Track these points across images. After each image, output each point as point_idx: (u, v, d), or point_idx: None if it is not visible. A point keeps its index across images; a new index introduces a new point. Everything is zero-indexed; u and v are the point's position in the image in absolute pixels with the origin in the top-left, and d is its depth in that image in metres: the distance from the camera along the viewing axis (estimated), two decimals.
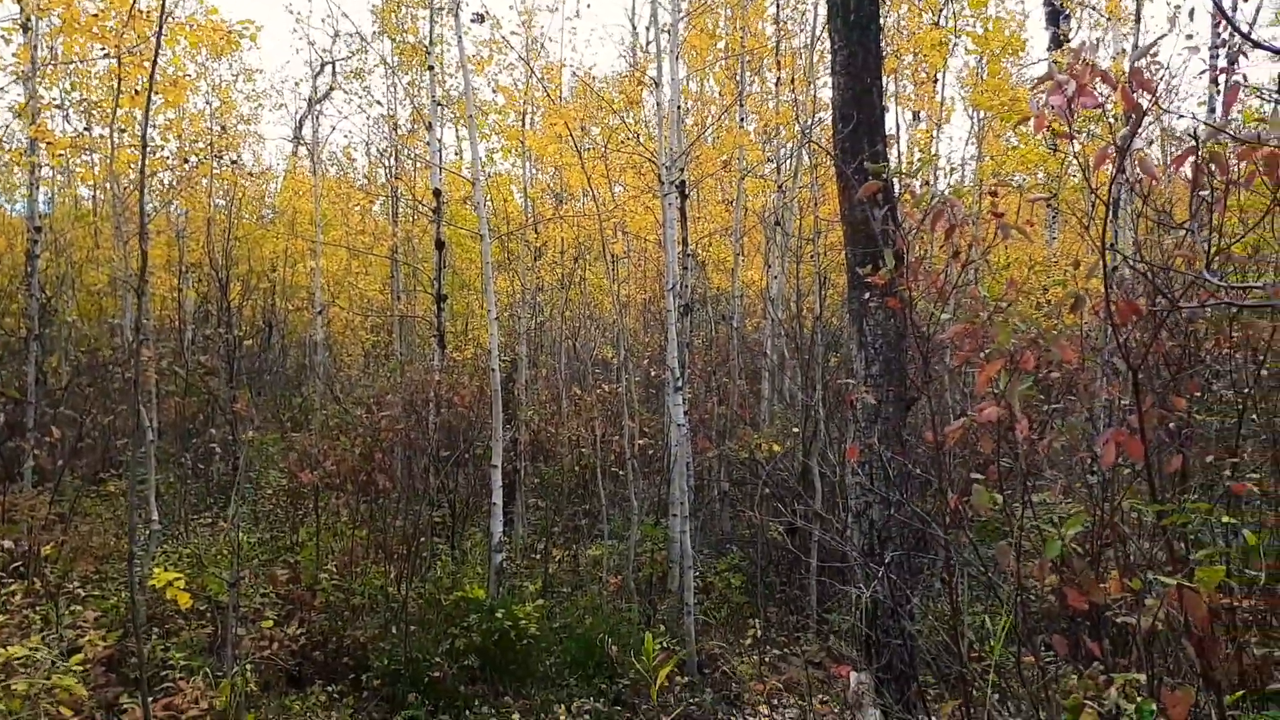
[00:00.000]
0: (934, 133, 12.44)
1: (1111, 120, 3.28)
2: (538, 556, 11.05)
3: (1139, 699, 2.42)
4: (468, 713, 7.15)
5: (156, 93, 7.86)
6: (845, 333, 11.11)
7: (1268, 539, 4.20)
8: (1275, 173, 2.31)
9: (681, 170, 9.73)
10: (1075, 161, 2.92)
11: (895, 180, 5.16)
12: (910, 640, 5.58)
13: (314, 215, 16.80)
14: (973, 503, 3.79)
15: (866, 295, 6.30)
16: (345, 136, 50.52)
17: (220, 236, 14.89)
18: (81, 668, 4.24)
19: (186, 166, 10.67)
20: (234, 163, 15.34)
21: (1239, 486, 3.38)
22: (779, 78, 12.80)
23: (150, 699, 5.02)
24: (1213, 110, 10.12)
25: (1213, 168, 2.55)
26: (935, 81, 12.66)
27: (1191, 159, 2.59)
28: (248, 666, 5.59)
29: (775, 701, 7.86)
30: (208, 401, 14.00)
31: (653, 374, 16.62)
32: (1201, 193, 2.64)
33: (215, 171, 13.22)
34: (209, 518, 9.46)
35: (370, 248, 16.95)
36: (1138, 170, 2.93)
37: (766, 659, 8.70)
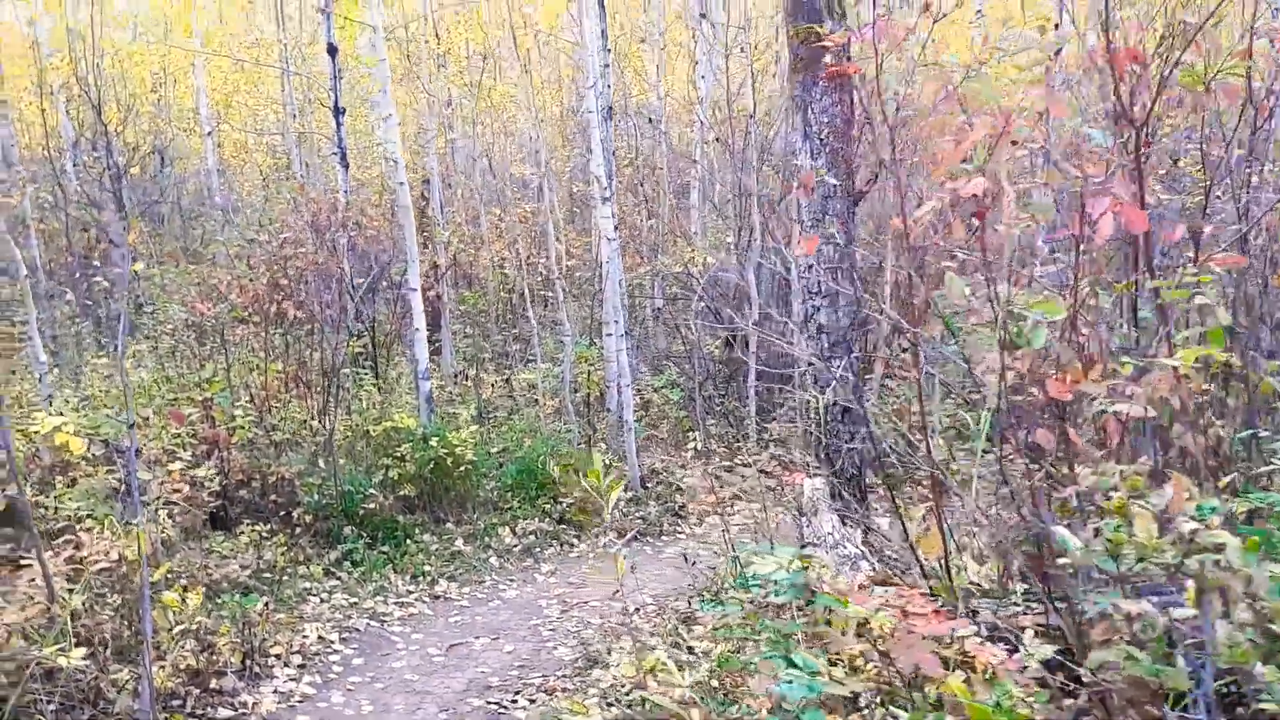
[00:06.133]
0: None
1: None
2: (469, 383, 10.69)
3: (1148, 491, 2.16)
4: (408, 541, 6.94)
5: None
6: (778, 132, 10.53)
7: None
8: None
9: None
10: None
11: None
12: (862, 443, 5.44)
13: (190, 25, 15.07)
14: (948, 293, 3.45)
15: (811, 78, 5.74)
16: None
17: (86, 50, 13.25)
18: None
19: None
20: None
21: (1224, 259, 3.08)
22: None
23: (50, 553, 4.59)
24: None
25: None
26: None
27: None
28: (161, 512, 5.17)
29: (730, 511, 7.84)
30: (97, 238, 12.87)
31: (574, 190, 15.87)
32: None
33: None
34: (105, 356, 8.76)
35: (256, 59, 15.39)
36: None
37: (709, 470, 8.66)
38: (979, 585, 3.94)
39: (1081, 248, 3.76)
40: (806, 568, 2.59)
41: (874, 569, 4.42)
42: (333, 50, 11.23)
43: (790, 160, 10.41)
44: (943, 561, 3.40)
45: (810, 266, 5.72)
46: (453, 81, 15.04)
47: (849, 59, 5.95)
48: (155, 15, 17.70)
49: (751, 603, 4.03)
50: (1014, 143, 3.54)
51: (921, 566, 3.43)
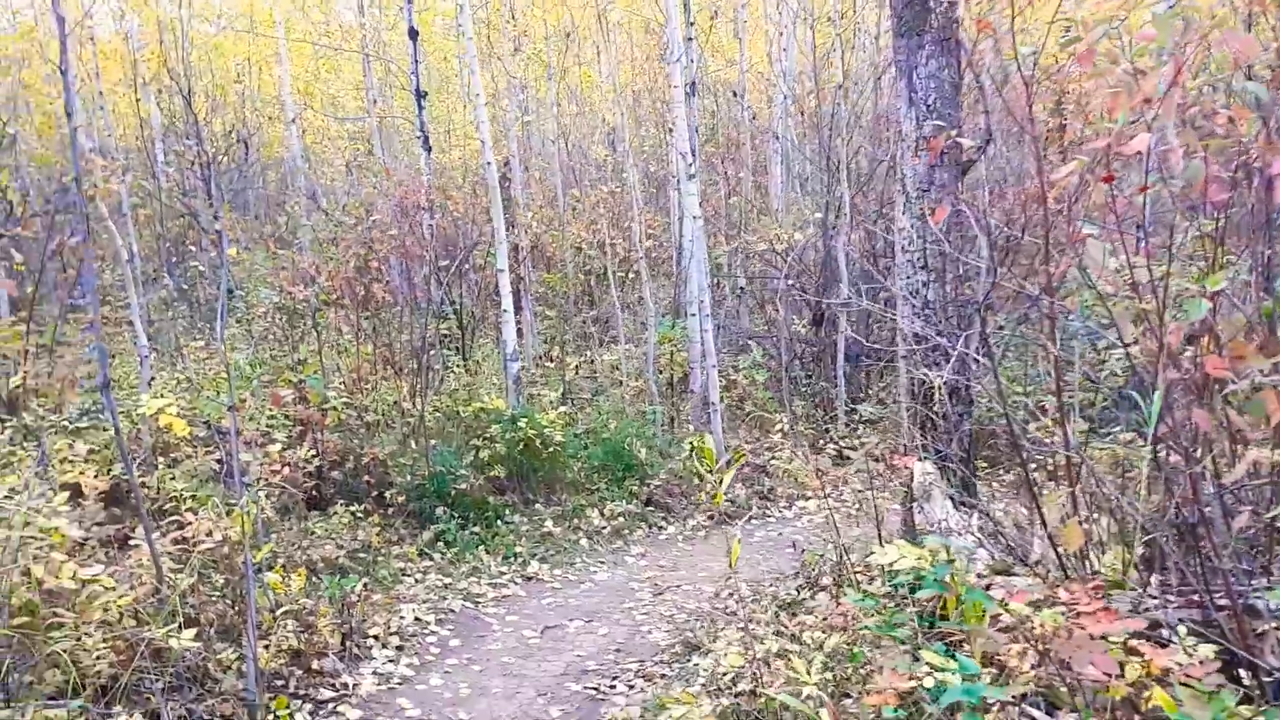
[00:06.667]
0: None
1: None
2: (552, 365, 10.64)
3: None
4: (499, 522, 6.91)
5: None
6: (866, 102, 10.19)
7: None
8: None
9: None
10: None
11: None
12: (972, 424, 5.19)
13: (273, 14, 15.29)
14: (1088, 259, 3.19)
15: (916, 41, 5.45)
16: None
17: (176, 43, 13.57)
18: (67, 507, 3.80)
19: None
20: None
21: None
22: None
23: (158, 533, 4.64)
24: None
25: None
26: None
27: None
28: (261, 493, 5.20)
29: (827, 494, 7.59)
30: (189, 224, 13.19)
31: (652, 170, 15.69)
32: None
33: None
34: (202, 340, 8.95)
35: (337, 45, 15.56)
36: None
37: (808, 453, 8.43)
38: (1106, 575, 3.68)
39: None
40: (952, 561, 2.39)
41: (993, 558, 4.17)
42: (414, 34, 11.24)
43: (881, 130, 10.07)
44: (1082, 553, 3.16)
45: (915, 240, 5.44)
46: (530, 62, 14.98)
47: (957, 21, 5.65)
48: (240, 6, 18.05)
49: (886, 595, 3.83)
50: (1147, 101, 3.25)
51: (1060, 558, 3.19)
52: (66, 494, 3.98)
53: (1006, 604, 2.31)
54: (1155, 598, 3.48)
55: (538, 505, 7.31)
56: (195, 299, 11.21)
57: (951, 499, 4.63)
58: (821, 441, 9.04)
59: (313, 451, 6.39)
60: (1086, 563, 3.41)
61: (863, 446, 5.52)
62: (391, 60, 15.10)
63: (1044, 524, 3.18)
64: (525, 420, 7.23)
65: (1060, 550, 3.16)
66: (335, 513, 6.40)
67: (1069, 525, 3.06)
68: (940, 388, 4.60)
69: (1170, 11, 3.68)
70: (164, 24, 14.08)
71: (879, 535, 4.78)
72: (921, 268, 5.45)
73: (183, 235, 13.19)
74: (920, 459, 4.80)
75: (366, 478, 6.89)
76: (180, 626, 3.96)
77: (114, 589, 3.80)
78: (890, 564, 3.17)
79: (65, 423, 5.83)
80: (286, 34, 15.92)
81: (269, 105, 18.06)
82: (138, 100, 12.35)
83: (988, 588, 3.33)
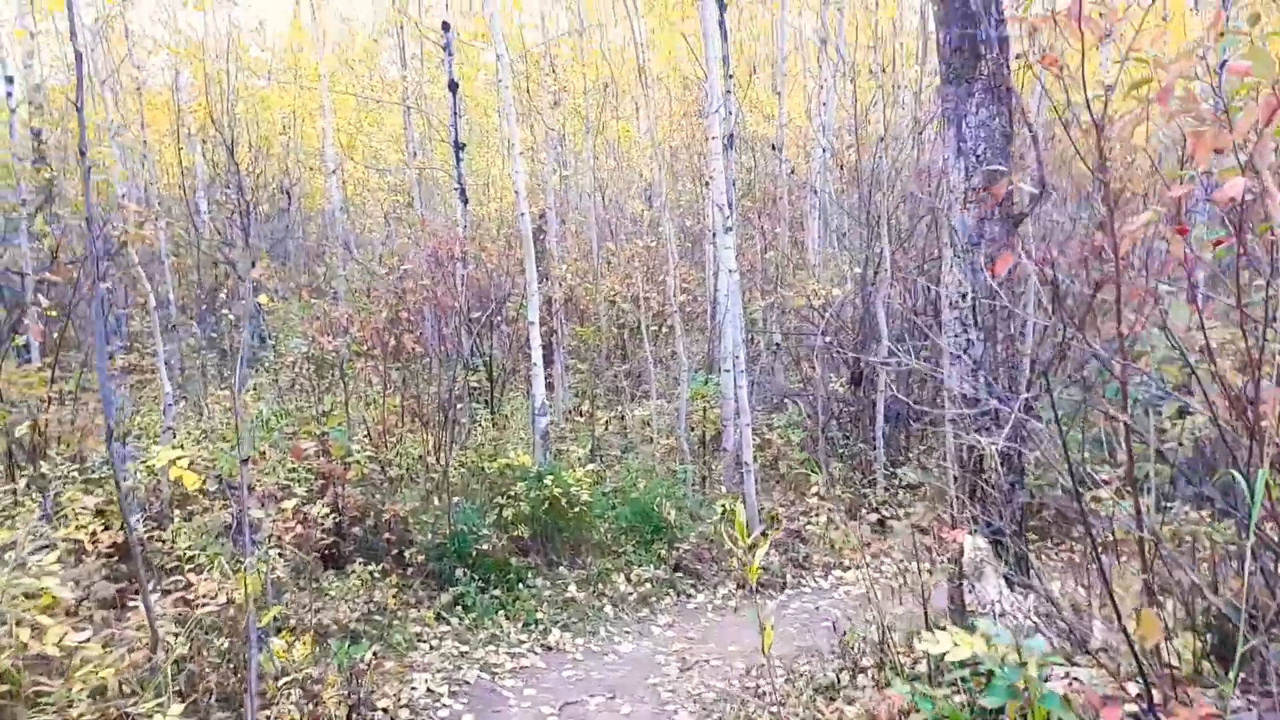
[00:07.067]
0: None
1: None
2: (582, 420, 10.39)
3: None
4: (520, 586, 6.61)
5: None
6: (905, 162, 9.98)
7: None
8: None
9: None
10: None
11: None
12: (1024, 495, 4.84)
13: (318, 68, 15.54)
14: (1169, 320, 2.91)
15: (966, 89, 5.23)
16: None
17: (221, 95, 13.79)
18: (59, 566, 3.59)
19: None
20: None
21: None
22: None
23: (160, 593, 4.43)
24: None
25: None
26: None
27: None
28: (273, 551, 4.98)
29: (864, 564, 7.21)
30: (226, 273, 13.27)
31: (688, 224, 15.59)
32: None
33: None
34: (227, 389, 8.84)
35: (379, 98, 15.76)
36: None
37: (837, 519, 8.06)
38: (1176, 667, 3.33)
39: None
40: (1024, 664, 2.08)
41: (1051, 644, 3.81)
42: (454, 86, 11.30)
43: (924, 185, 9.83)
44: (1163, 647, 2.82)
45: (965, 296, 5.16)
46: (569, 115, 15.03)
47: (1008, 68, 5.43)
48: (287, 61, 18.44)
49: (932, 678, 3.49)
50: (1218, 150, 2.99)
51: (1134, 649, 2.85)
52: (68, 550, 3.78)
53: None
54: (1237, 697, 3.12)
55: (561, 568, 7.01)
56: (225, 347, 11.18)
57: (1006, 578, 4.28)
58: (860, 508, 8.66)
59: (328, 509, 6.15)
60: (1159, 654, 3.06)
61: (905, 514, 5.17)
62: (432, 113, 15.25)
63: (1117, 612, 2.84)
64: (551, 478, 6.96)
65: (1135, 643, 2.82)
66: (353, 571, 6.16)
67: (1145, 616, 2.73)
68: (993, 454, 4.28)
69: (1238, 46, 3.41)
70: (211, 77, 14.35)
71: (925, 615, 4.44)
72: (971, 325, 5.15)
73: (219, 284, 13.25)
74: (970, 532, 4.46)
75: (387, 535, 6.65)
76: (171, 698, 3.71)
77: (103, 655, 3.56)
78: (942, 655, 2.85)
79: (76, 472, 5.67)
80: (331, 87, 16.17)
81: (312, 157, 18.33)
82: (180, 149, 12.51)
83: (1047, 679, 3.00)
